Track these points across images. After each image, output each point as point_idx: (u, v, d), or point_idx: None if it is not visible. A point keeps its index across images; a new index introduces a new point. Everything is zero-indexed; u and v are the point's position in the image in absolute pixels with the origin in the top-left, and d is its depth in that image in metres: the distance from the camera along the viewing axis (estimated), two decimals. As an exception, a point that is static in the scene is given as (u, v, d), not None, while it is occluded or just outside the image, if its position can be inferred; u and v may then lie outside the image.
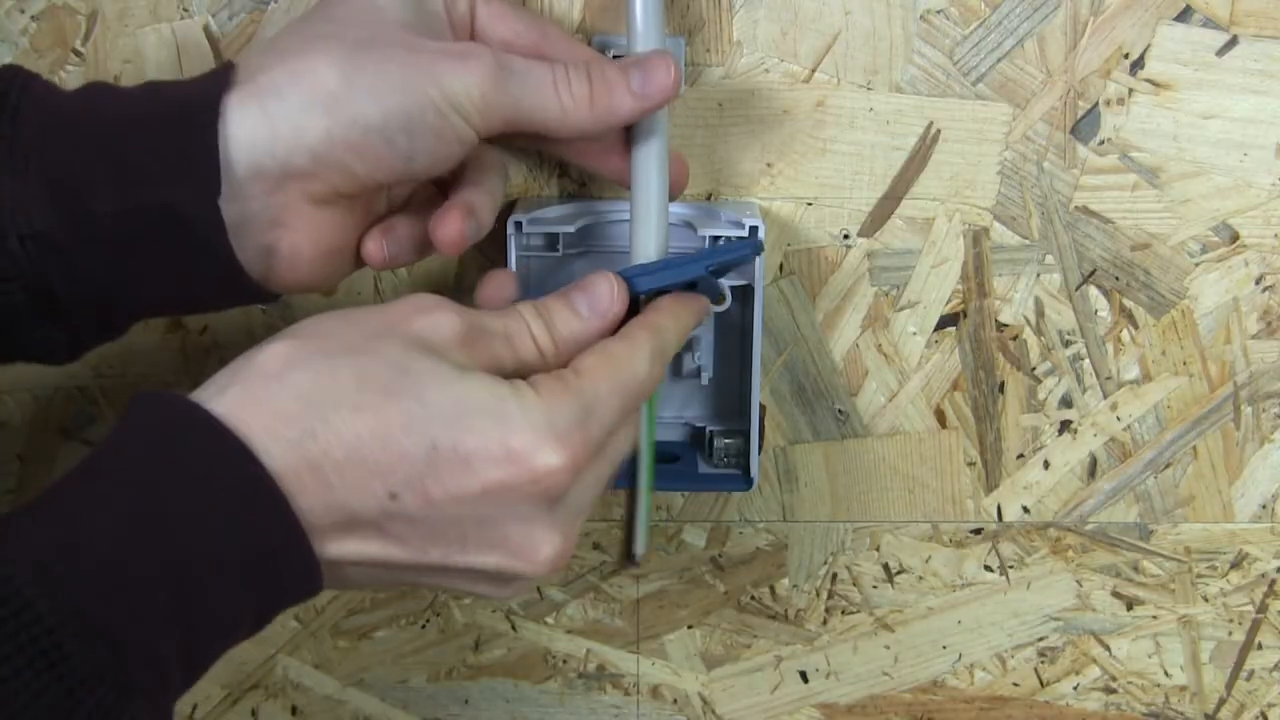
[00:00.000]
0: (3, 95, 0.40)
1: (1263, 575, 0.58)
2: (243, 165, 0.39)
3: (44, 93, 0.41)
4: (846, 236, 0.53)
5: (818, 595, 0.58)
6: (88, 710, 0.32)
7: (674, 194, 0.46)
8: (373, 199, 0.44)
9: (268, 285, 0.42)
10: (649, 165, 0.45)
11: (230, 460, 0.35)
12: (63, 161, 0.39)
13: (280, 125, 0.39)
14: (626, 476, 0.46)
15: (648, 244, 0.45)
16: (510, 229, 0.48)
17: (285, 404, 0.36)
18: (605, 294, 0.42)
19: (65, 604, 0.32)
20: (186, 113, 0.39)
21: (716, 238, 0.49)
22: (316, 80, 0.39)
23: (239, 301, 0.43)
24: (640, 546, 0.47)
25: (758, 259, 0.48)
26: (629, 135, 0.46)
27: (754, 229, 0.48)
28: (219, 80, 0.40)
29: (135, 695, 0.33)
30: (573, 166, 0.52)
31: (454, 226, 0.43)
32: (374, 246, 0.44)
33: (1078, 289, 0.54)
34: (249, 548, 0.35)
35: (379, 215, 0.45)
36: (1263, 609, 0.58)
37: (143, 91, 0.41)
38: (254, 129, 0.39)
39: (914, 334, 0.54)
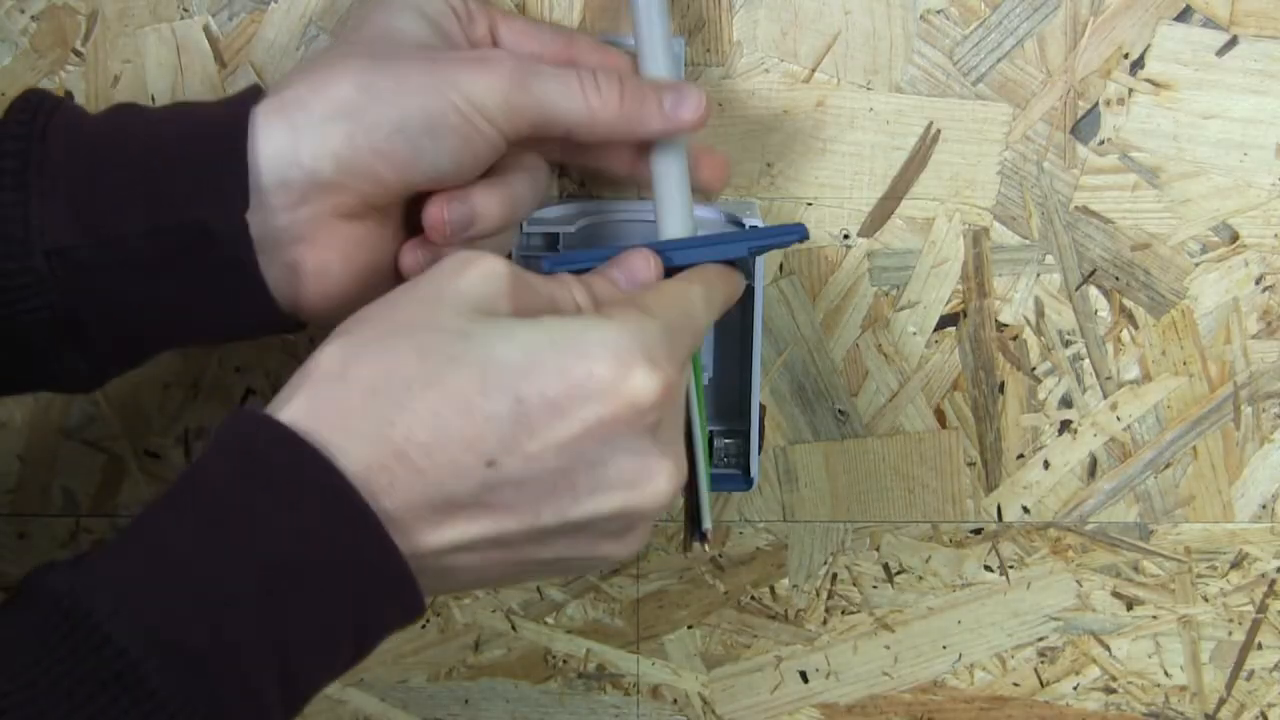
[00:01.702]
0: (30, 118, 0.40)
1: (1263, 575, 0.58)
2: (269, 177, 0.39)
3: (71, 115, 0.41)
4: (846, 236, 0.53)
5: (818, 595, 0.58)
6: None
7: (715, 191, 0.46)
8: (406, 213, 0.43)
9: (296, 309, 0.42)
10: (669, 146, 0.45)
11: (304, 469, 0.34)
12: (91, 181, 0.39)
13: (304, 134, 0.39)
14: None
15: (675, 220, 0.45)
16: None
17: (354, 400, 0.35)
18: (641, 266, 0.42)
19: (147, 635, 0.31)
20: (215, 129, 0.39)
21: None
22: (338, 90, 0.39)
23: (264, 328, 0.42)
24: (708, 521, 0.46)
25: (758, 259, 0.48)
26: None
27: (755, 229, 0.48)
28: (246, 98, 0.40)
29: None
30: (573, 166, 0.52)
31: (433, 211, 0.42)
32: (411, 259, 0.43)
33: (1078, 289, 0.54)
34: (330, 557, 0.34)
35: (415, 231, 0.44)
36: (1263, 609, 0.58)
37: (171, 111, 0.42)
38: (279, 140, 0.39)
39: (914, 334, 0.54)
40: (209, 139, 0.39)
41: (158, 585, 0.33)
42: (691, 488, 0.46)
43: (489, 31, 0.45)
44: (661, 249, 0.43)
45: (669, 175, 0.45)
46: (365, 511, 0.34)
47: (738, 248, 0.44)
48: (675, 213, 0.45)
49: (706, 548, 0.46)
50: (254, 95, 0.41)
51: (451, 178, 0.41)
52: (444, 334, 0.36)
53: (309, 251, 0.41)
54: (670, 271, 0.43)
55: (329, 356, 0.36)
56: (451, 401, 0.35)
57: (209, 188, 0.39)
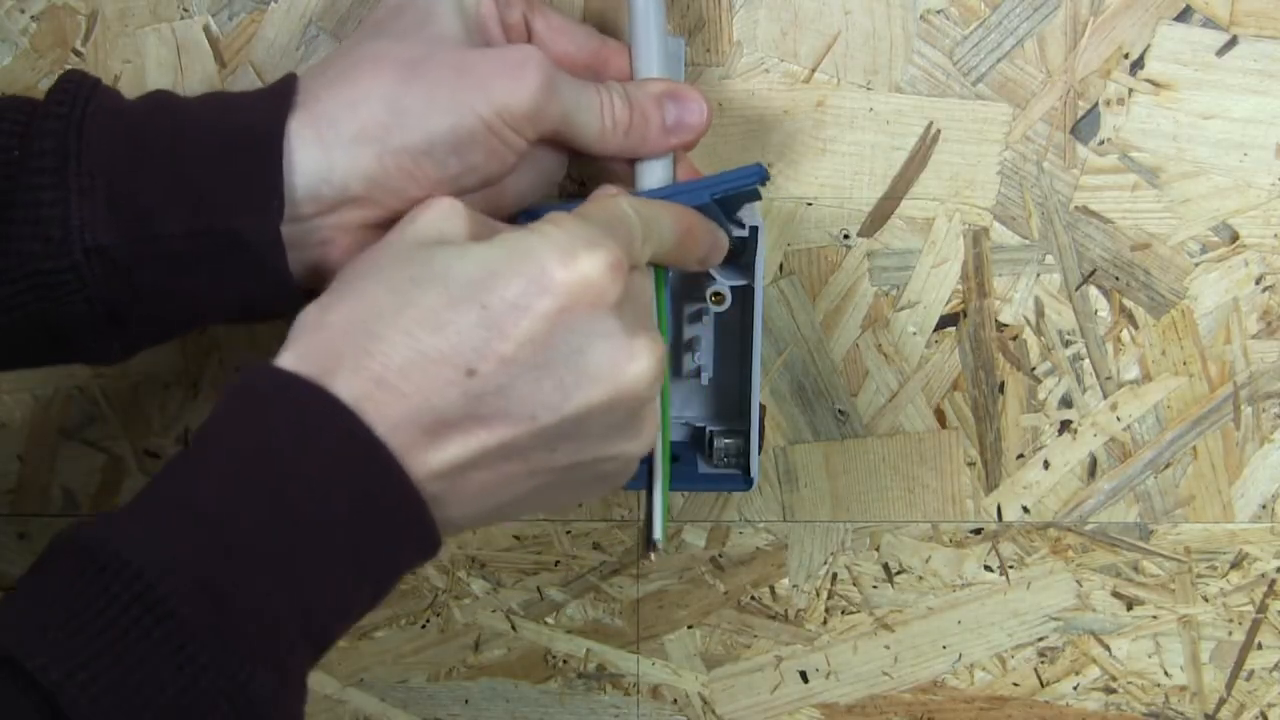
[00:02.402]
0: (68, 109, 0.40)
1: (1263, 575, 0.58)
2: (301, 190, 0.40)
3: (108, 103, 0.41)
4: (846, 236, 0.53)
5: (818, 595, 0.58)
6: (208, 671, 0.33)
7: (692, 143, 0.46)
8: None
9: (317, 294, 0.43)
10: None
11: (303, 401, 0.35)
12: (129, 182, 0.40)
13: (335, 153, 0.40)
14: (640, 477, 0.46)
15: (652, 175, 0.46)
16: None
17: (332, 340, 0.37)
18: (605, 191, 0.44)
19: (171, 566, 0.33)
20: (252, 138, 0.40)
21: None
22: (368, 109, 0.40)
23: (290, 310, 0.43)
24: (659, 532, 0.46)
25: (758, 259, 0.48)
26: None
27: (754, 228, 0.48)
28: (282, 101, 0.41)
29: (253, 655, 0.34)
30: (572, 165, 0.52)
31: None
32: None
33: (1078, 289, 0.54)
34: (338, 483, 0.35)
35: None
36: (1263, 609, 0.58)
37: (207, 108, 0.42)
38: (313, 157, 0.40)
39: (914, 334, 0.54)
40: (246, 146, 0.40)
41: (178, 524, 0.34)
42: (649, 494, 0.46)
43: (523, 17, 0.45)
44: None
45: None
46: (365, 433, 0.35)
47: (700, 195, 0.45)
48: (653, 169, 0.45)
49: (654, 556, 0.46)
50: (289, 95, 0.41)
51: (476, 186, 0.43)
52: (407, 264, 0.38)
53: (333, 251, 0.42)
54: None
55: (308, 311, 0.38)
56: (421, 321, 0.36)
57: (244, 198, 0.40)
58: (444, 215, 0.39)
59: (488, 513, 0.39)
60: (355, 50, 0.42)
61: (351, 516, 0.35)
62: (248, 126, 0.40)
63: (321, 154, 0.40)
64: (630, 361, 0.38)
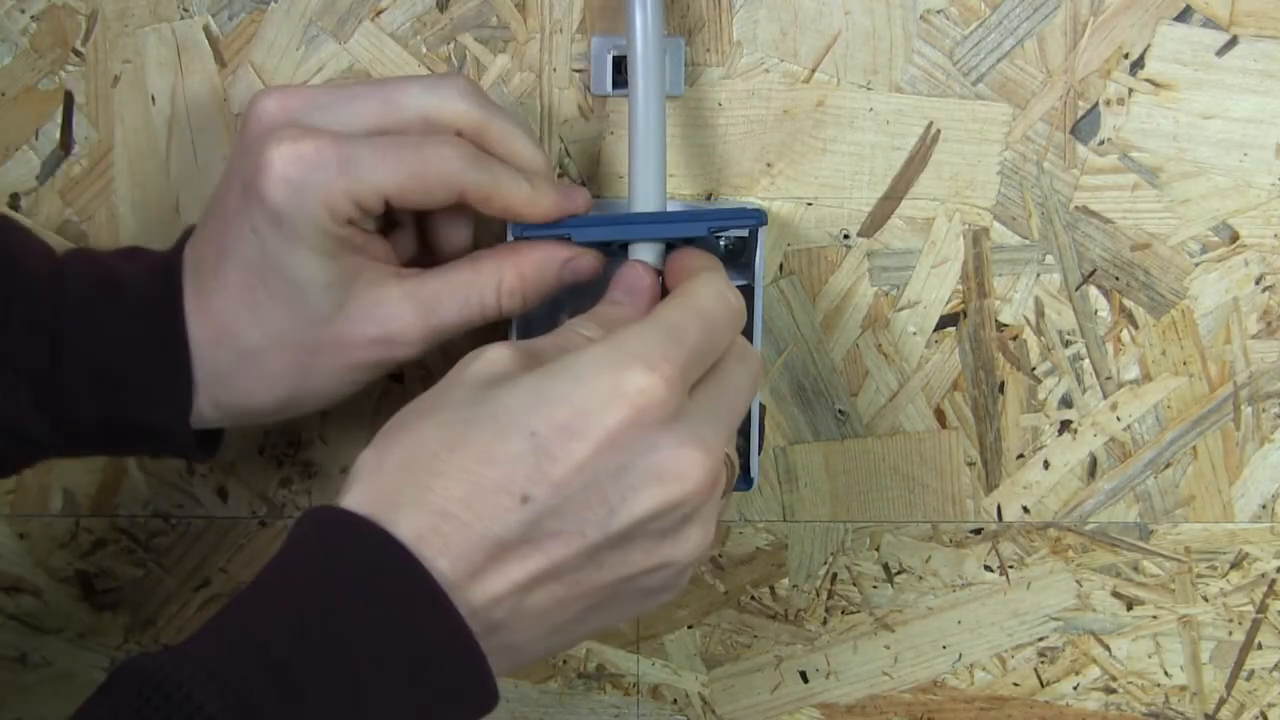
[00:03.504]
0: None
1: (1263, 575, 0.58)
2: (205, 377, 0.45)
3: (30, 307, 0.44)
4: (846, 236, 0.53)
5: (818, 595, 0.58)
6: None
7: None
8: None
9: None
10: (649, 114, 0.46)
11: (361, 540, 0.37)
12: (49, 368, 0.44)
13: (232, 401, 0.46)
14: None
15: (647, 193, 0.46)
16: (511, 230, 0.48)
17: (392, 481, 0.38)
18: (633, 273, 0.45)
19: (230, 700, 0.34)
20: (156, 336, 0.44)
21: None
22: (259, 402, 0.45)
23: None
24: (755, 469, 0.49)
25: (758, 259, 0.48)
26: (628, 83, 0.46)
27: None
28: (172, 287, 0.45)
29: None
30: (572, 165, 0.52)
31: None
32: None
33: (1078, 289, 0.54)
34: (396, 627, 0.36)
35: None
36: (1263, 609, 0.58)
37: (113, 302, 0.45)
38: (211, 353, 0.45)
39: (914, 334, 0.54)
40: (152, 345, 0.44)
41: (239, 659, 0.35)
42: (744, 441, 0.48)
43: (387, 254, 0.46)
44: (623, 221, 0.45)
45: (646, 151, 0.46)
46: (424, 578, 0.36)
47: (697, 226, 0.45)
48: (649, 188, 0.46)
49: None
50: (175, 274, 0.45)
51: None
52: (458, 406, 0.39)
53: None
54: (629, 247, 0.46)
55: (366, 455, 0.39)
56: (476, 455, 0.37)
57: (155, 391, 0.45)
58: (492, 360, 0.40)
59: (544, 636, 0.40)
60: (241, 320, 0.44)
61: (408, 659, 0.36)
62: (150, 325, 0.44)
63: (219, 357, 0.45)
64: (673, 472, 0.38)
